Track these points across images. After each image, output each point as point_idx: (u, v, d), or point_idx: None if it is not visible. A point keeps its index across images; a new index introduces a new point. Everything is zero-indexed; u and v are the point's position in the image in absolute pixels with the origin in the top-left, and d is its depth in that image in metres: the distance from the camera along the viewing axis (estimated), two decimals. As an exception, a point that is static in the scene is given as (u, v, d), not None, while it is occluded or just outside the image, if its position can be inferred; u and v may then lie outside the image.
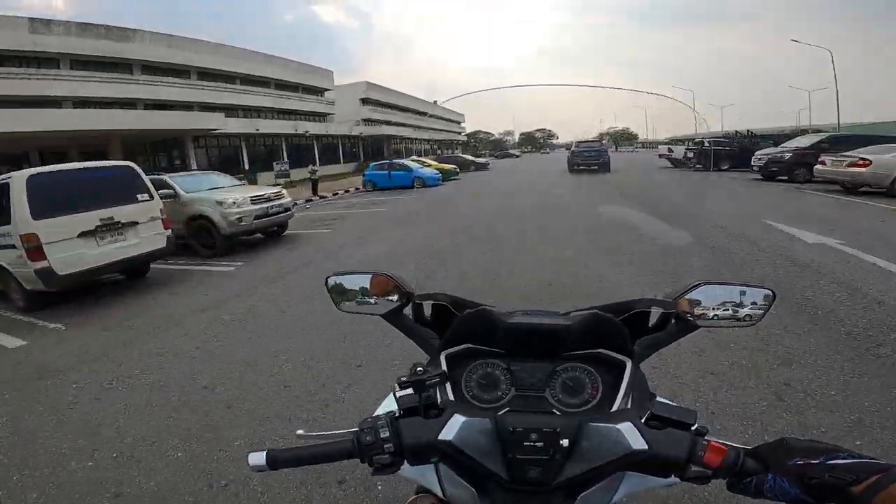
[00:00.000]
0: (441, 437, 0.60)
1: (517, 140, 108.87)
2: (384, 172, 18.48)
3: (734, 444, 0.56)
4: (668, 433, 0.57)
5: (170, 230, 6.05)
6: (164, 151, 23.46)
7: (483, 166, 31.63)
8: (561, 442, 0.58)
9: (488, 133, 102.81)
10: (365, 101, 48.73)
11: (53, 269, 4.78)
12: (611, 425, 0.59)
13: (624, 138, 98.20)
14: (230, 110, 27.88)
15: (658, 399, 0.69)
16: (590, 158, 21.78)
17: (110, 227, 5.34)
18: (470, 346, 0.80)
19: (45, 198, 4.87)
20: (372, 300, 0.89)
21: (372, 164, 19.82)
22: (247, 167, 26.00)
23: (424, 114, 65.12)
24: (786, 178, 12.83)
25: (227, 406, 2.74)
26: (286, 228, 8.86)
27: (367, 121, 47.06)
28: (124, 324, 4.43)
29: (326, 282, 0.91)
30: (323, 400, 2.74)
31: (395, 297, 0.87)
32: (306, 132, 28.91)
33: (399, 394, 0.63)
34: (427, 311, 0.91)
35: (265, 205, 7.68)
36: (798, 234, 5.98)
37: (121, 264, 5.54)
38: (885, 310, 3.38)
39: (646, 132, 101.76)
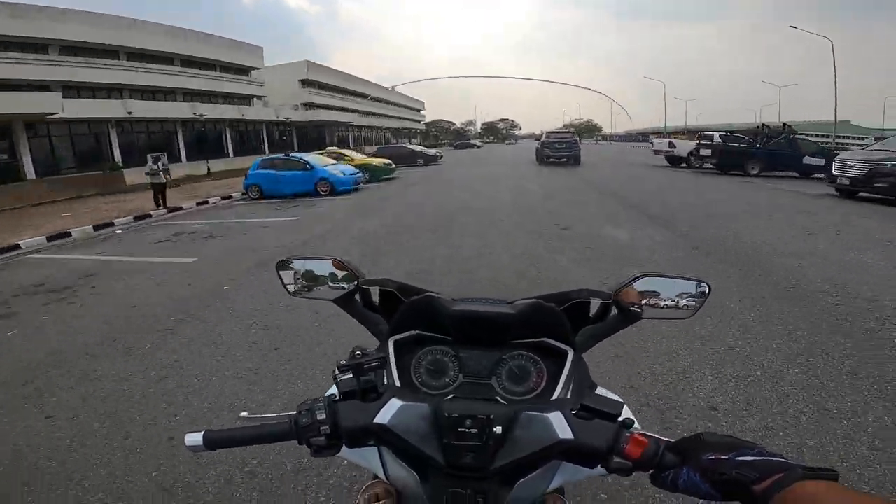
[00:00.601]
0: (377, 420, 0.59)
1: (479, 130, 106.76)
2: (272, 172, 13.19)
3: (658, 437, 0.55)
4: (594, 424, 0.56)
5: None
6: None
7: (433, 159, 26.50)
8: (494, 429, 0.58)
9: (450, 122, 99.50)
10: (306, 83, 42.75)
11: None
12: (541, 414, 0.59)
13: (587, 130, 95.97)
14: (113, 90, 21.67)
15: (598, 390, 0.73)
16: (561, 150, 20.75)
17: None
18: (418, 332, 0.80)
19: None
20: (323, 285, 0.89)
21: (258, 159, 14.32)
22: (119, 160, 20.11)
23: (381, 100, 59.47)
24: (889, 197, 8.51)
25: None
26: None
27: (309, 105, 41.28)
28: None
29: (277, 267, 0.90)
30: None
31: (345, 283, 0.87)
32: (200, 115, 22.97)
33: (339, 377, 0.61)
34: (375, 297, 0.91)
35: None
36: None
37: None
38: None
39: (611, 126, 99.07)
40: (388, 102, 61.76)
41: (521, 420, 0.58)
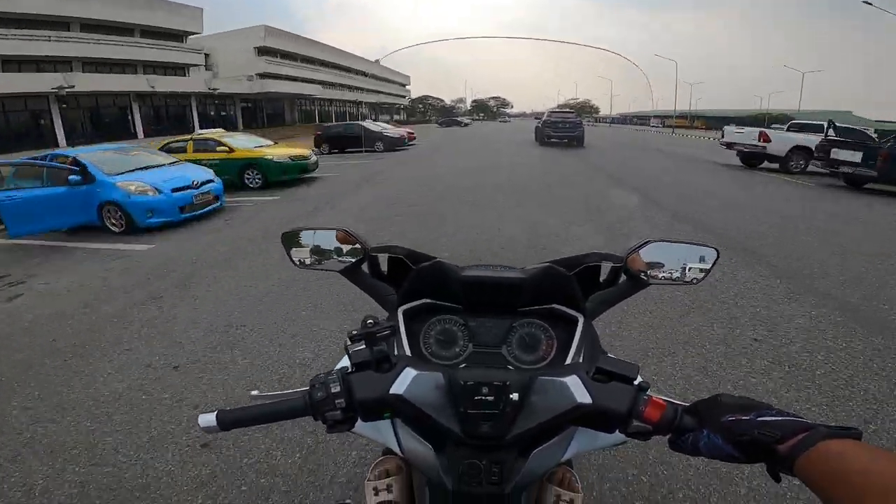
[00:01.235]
0: (392, 390, 0.58)
1: (469, 107, 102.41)
2: (17, 191, 6.88)
3: (674, 400, 0.55)
4: (611, 387, 0.56)
5: None
6: None
7: (399, 142, 19.79)
8: (511, 395, 0.57)
9: (439, 99, 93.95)
10: (262, 51, 35.90)
11: None
12: (558, 378, 0.58)
13: (584, 111, 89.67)
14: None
15: (608, 355, 0.69)
16: (563, 130, 19.29)
17: None
18: (427, 300, 0.80)
19: None
20: (329, 257, 0.88)
21: (17, 160, 7.86)
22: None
23: (355, 71, 52.10)
24: None
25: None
26: None
27: (265, 75, 34.48)
28: None
29: (283, 238, 0.89)
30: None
31: (352, 253, 0.86)
32: (70, 86, 16.57)
33: (351, 349, 0.60)
34: (384, 266, 0.90)
35: None
36: None
37: None
38: None
39: (610, 107, 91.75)
40: (365, 74, 54.24)
41: (537, 386, 0.57)
